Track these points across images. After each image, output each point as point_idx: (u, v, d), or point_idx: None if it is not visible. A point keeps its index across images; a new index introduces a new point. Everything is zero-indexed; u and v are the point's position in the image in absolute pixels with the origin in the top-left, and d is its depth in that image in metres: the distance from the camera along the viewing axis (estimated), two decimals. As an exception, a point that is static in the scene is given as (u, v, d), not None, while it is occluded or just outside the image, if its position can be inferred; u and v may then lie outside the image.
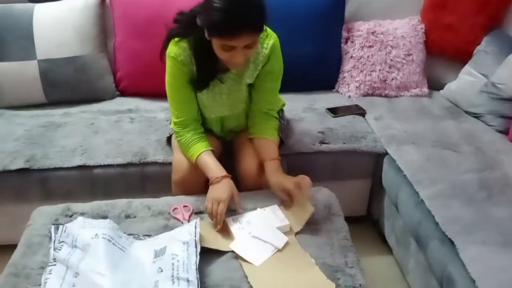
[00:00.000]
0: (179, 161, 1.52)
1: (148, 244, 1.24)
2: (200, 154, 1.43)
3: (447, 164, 1.58)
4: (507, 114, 1.80)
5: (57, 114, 1.92)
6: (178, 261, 1.14)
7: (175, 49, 1.37)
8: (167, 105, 1.53)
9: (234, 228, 1.30)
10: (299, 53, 2.04)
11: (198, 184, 1.51)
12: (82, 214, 1.37)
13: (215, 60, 1.35)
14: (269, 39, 1.43)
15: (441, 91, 2.12)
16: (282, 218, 1.32)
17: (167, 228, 1.32)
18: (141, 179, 1.65)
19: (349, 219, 1.85)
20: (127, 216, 1.37)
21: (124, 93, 2.09)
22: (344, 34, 2.15)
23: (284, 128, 1.71)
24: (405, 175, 1.55)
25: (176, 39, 1.38)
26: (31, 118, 1.88)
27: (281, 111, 1.71)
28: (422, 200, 1.43)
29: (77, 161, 1.62)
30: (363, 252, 1.77)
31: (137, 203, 1.42)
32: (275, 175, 1.42)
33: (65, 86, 1.97)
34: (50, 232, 1.26)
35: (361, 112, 1.95)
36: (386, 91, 2.10)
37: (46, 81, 1.93)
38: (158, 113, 1.92)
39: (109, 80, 2.06)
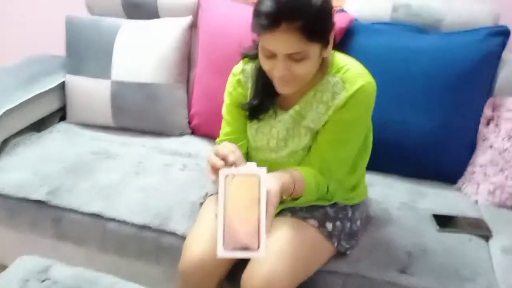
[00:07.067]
0: (192, 240, 1.15)
1: None
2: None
3: None
4: None
5: (117, 141, 1.74)
6: None
7: (238, 67, 1.23)
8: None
9: None
10: (415, 124, 1.51)
11: (213, 282, 1.14)
12: (55, 283, 1.11)
13: (273, 92, 1.12)
14: (358, 80, 1.05)
15: None
16: None
17: None
18: (155, 248, 1.33)
19: None
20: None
21: (195, 132, 1.82)
22: (487, 112, 1.51)
23: (352, 232, 1.21)
24: None
25: (246, 59, 1.22)
26: (90, 141, 1.73)
27: (356, 207, 1.24)
28: None
29: (94, 207, 1.38)
30: None
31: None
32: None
33: (134, 113, 1.78)
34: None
35: (484, 234, 1.31)
36: (536, 207, 1.41)
37: (115, 104, 1.77)
38: (217, 163, 1.59)
39: (182, 114, 1.80)
